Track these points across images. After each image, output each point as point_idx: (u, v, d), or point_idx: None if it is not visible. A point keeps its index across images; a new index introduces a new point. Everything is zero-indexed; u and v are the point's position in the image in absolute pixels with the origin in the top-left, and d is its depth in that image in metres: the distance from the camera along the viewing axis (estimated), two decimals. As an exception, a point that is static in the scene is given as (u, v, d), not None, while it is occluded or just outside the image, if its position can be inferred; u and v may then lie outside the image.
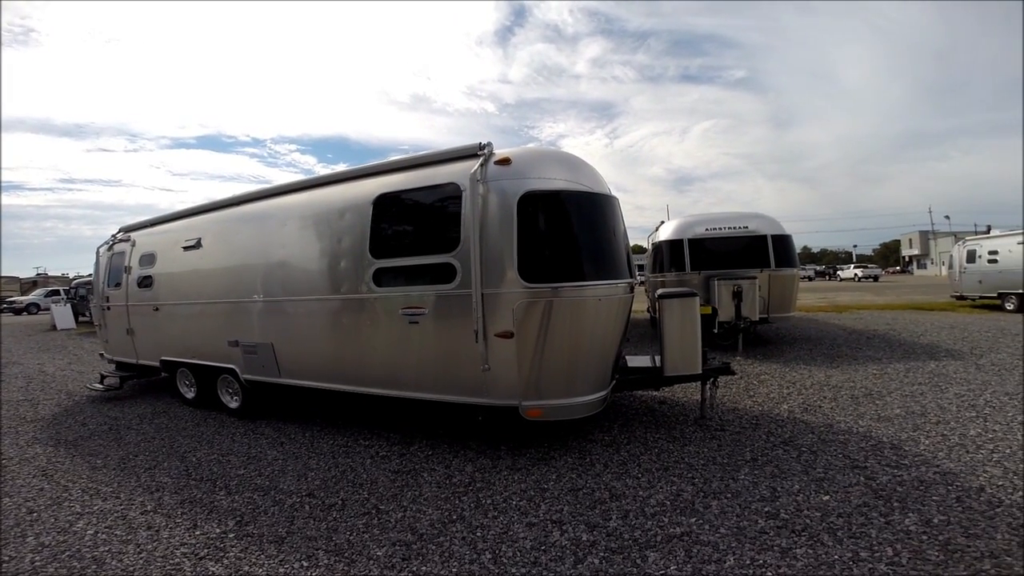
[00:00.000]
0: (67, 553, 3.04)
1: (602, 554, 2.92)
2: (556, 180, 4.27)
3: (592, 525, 3.24)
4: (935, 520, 3.11)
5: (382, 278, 4.60)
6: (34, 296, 33.51)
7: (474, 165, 4.18)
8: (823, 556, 2.80)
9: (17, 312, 31.73)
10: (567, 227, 4.28)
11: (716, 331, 8.20)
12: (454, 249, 4.22)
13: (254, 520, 3.39)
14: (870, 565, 2.71)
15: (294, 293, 5.27)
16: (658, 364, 4.99)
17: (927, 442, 4.34)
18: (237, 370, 5.90)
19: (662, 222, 11.00)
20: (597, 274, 4.28)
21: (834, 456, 4.14)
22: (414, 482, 3.97)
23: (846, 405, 5.51)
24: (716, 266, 9.34)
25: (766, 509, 3.33)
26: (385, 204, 4.68)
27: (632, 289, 4.64)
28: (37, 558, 3.01)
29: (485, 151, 4.27)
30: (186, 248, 6.48)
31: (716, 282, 8.81)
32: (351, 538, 3.17)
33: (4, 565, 2.93)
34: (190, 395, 6.77)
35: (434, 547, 3.06)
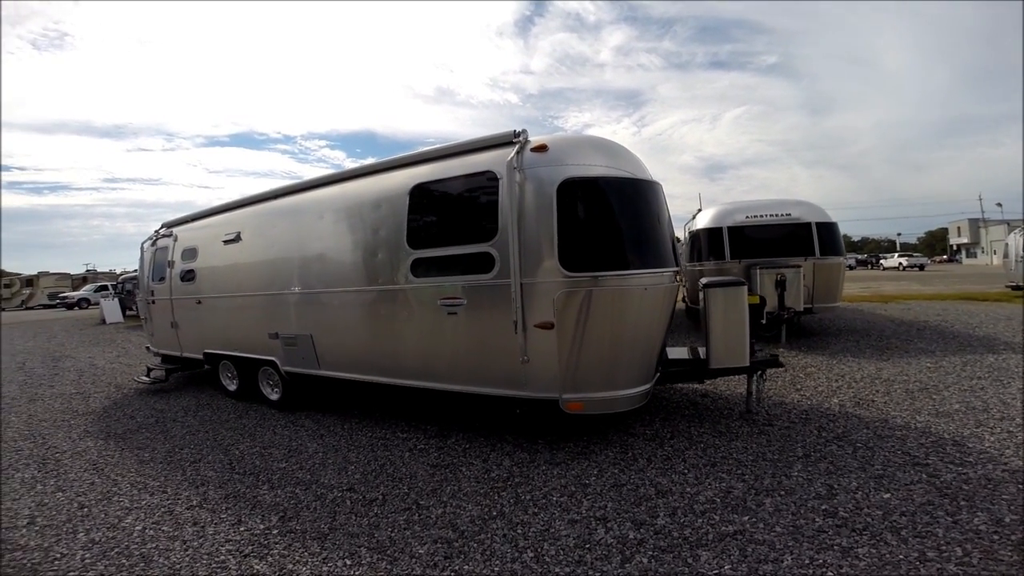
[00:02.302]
0: (116, 550, 3.07)
1: (651, 553, 2.83)
2: (596, 166, 4.16)
3: (639, 522, 3.15)
4: (1007, 519, 2.93)
5: (420, 268, 4.56)
6: (84, 292, 34.87)
7: (510, 153, 4.08)
8: (887, 556, 2.68)
9: (69, 307, 33.12)
10: (609, 214, 4.17)
11: (764, 321, 7.92)
12: (492, 238, 4.14)
13: (297, 516, 3.40)
14: (938, 565, 2.57)
15: (332, 285, 5.28)
16: (701, 356, 4.84)
17: (992, 439, 4.10)
18: (277, 362, 5.97)
19: (699, 210, 10.73)
20: (642, 262, 4.16)
21: (892, 453, 3.94)
22: (453, 476, 3.94)
23: (900, 400, 5.25)
24: (757, 255, 9.05)
25: (823, 507, 3.20)
26: (421, 194, 4.63)
27: (678, 278, 4.50)
28: (87, 555, 3.03)
29: (520, 138, 4.16)
30: (226, 242, 6.58)
31: (758, 271, 8.54)
32: (393, 535, 3.14)
33: (56, 562, 2.97)
34: (232, 387, 6.90)
35: (475, 545, 3.00)
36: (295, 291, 5.63)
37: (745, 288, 4.65)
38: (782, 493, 3.41)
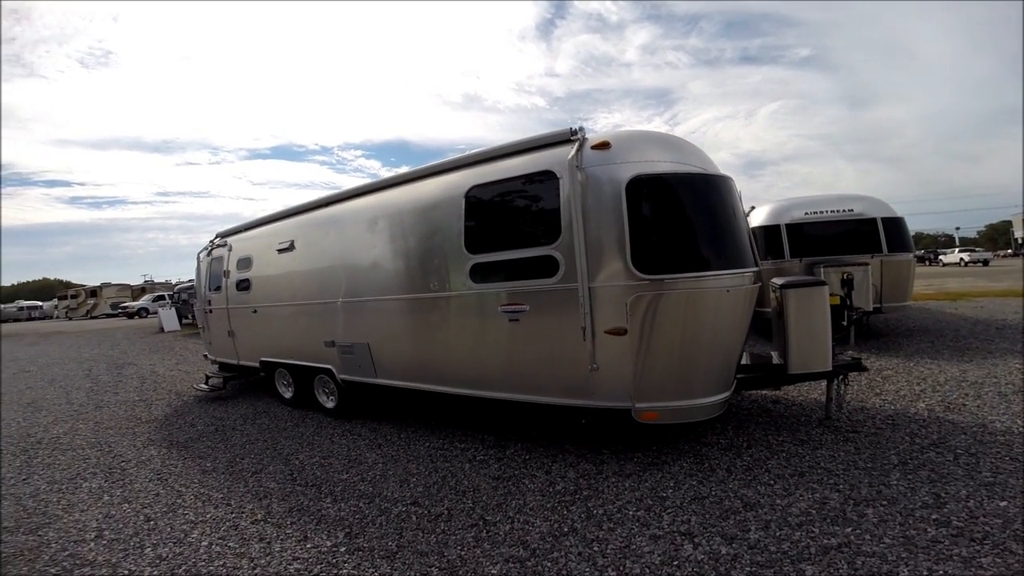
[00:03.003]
0: (183, 568, 3.00)
1: (748, 568, 2.65)
2: (663, 163, 3.96)
3: (729, 537, 2.96)
4: None
5: (479, 274, 4.42)
6: (143, 301, 36.38)
7: (569, 151, 3.91)
8: (1015, 565, 2.48)
9: (130, 316, 34.62)
10: (684, 212, 3.98)
11: (845, 323, 7.48)
12: (555, 240, 3.97)
13: (363, 532, 3.30)
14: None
15: (389, 292, 5.20)
16: (774, 360, 4.57)
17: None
18: (334, 370, 5.93)
19: (752, 207, 10.34)
20: (721, 263, 3.93)
21: (999, 459, 3.65)
22: (516, 490, 3.78)
23: (994, 403, 4.85)
24: (818, 252, 8.62)
25: (933, 516, 2.99)
26: (478, 196, 4.50)
27: (758, 278, 4.23)
28: (155, 573, 2.99)
29: (579, 136, 3.99)
30: (280, 251, 6.60)
31: (821, 269, 8.11)
32: (462, 553, 3.00)
33: None
34: (288, 395, 6.93)
35: (549, 564, 2.85)
36: (351, 299, 5.59)
37: (826, 288, 4.36)
38: (884, 503, 3.20)
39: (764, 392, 5.66)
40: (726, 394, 4.07)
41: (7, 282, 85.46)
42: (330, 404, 6.22)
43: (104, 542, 3.34)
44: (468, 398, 4.74)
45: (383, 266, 5.27)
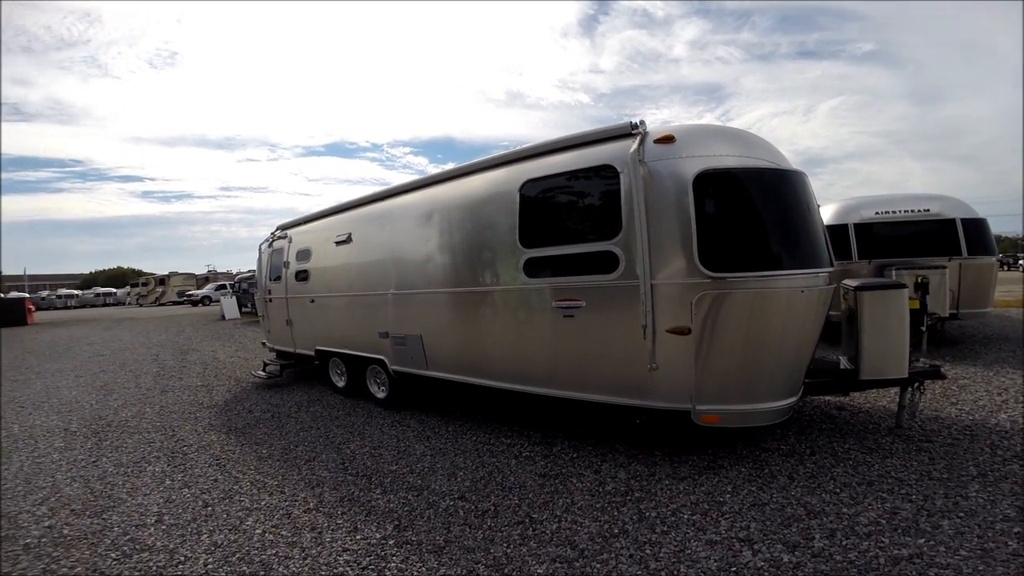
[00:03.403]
0: (237, 555, 3.04)
1: None
2: (732, 157, 3.80)
3: (791, 545, 2.84)
4: None
5: (533, 268, 4.37)
6: (206, 290, 38.25)
7: (631, 145, 3.79)
8: None
9: (194, 304, 36.48)
10: (756, 208, 3.82)
11: (924, 328, 7.04)
12: (615, 236, 3.87)
13: (411, 525, 3.30)
14: None
15: (442, 285, 5.23)
16: (842, 365, 4.35)
17: None
18: (386, 361, 6.02)
19: (818, 205, 9.85)
20: (795, 262, 3.76)
21: None
22: (564, 488, 3.72)
23: (1089, 420, 4.44)
24: (889, 254, 8.13)
25: (1015, 530, 2.81)
26: (533, 190, 4.44)
27: (833, 279, 4.02)
28: (210, 560, 3.03)
29: (640, 129, 3.87)
30: (338, 243, 6.76)
31: (893, 272, 7.65)
32: (508, 551, 2.96)
33: (180, 566, 2.99)
34: (340, 384, 7.08)
35: (599, 565, 2.78)
36: (405, 291, 5.65)
37: (906, 292, 4.10)
38: (961, 515, 3.03)
39: (827, 398, 5.39)
40: (793, 399, 3.89)
41: (87, 270, 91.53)
42: (381, 394, 6.31)
43: (163, 527, 3.44)
44: (515, 393, 4.70)
45: (437, 259, 5.29)
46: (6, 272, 75.11)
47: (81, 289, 60.21)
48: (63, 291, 55.07)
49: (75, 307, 49.22)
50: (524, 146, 4.80)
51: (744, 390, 3.75)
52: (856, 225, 8.45)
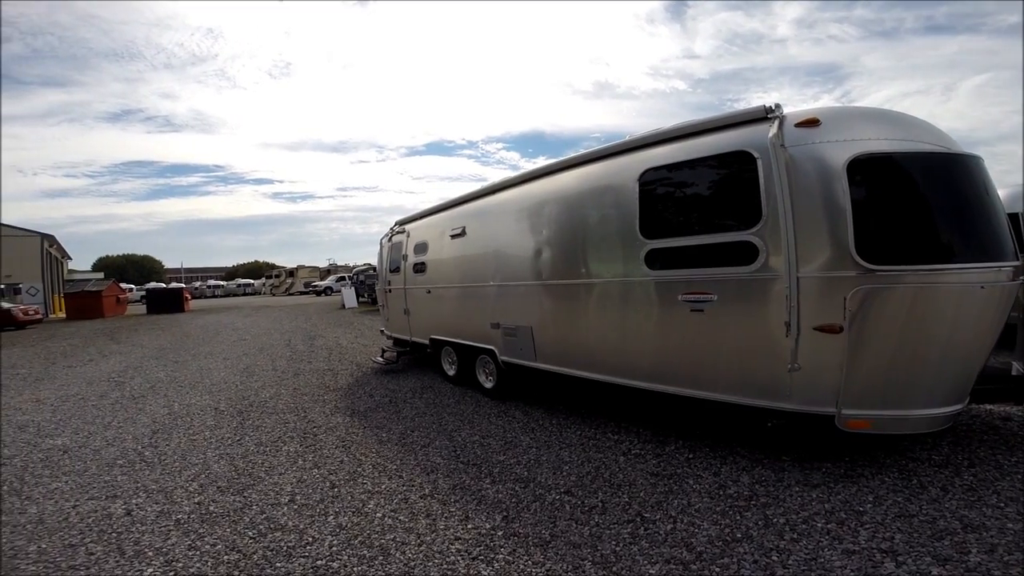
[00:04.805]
0: (359, 538, 3.18)
1: None
2: (889, 140, 3.44)
3: (942, 558, 2.61)
4: None
5: (656, 260, 4.23)
6: (328, 282, 41.46)
7: (769, 129, 3.53)
8: None
9: (318, 294, 39.80)
10: (922, 195, 3.46)
11: None
12: (754, 225, 3.63)
13: (518, 517, 3.35)
14: None
15: (555, 277, 5.23)
16: (1020, 371, 3.88)
17: None
18: (496, 351, 6.14)
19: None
20: (971, 254, 3.35)
21: None
22: (679, 489, 3.59)
23: None
24: None
25: None
26: (655, 179, 4.29)
27: (1019, 274, 3.51)
28: (335, 541, 3.16)
29: (777, 113, 3.59)
30: (453, 236, 6.99)
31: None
32: (617, 549, 2.91)
33: (308, 547, 3.13)
34: (451, 372, 7.36)
35: (718, 569, 2.66)
36: (517, 283, 5.72)
37: None
38: None
39: (990, 407, 4.77)
40: (958, 407, 3.49)
41: (231, 263, 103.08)
42: (488, 384, 6.46)
43: (295, 507, 3.64)
44: (624, 388, 4.59)
45: (550, 251, 5.29)
46: (168, 265, 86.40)
47: (225, 280, 68.00)
48: (212, 282, 62.71)
49: (221, 296, 55.68)
50: (641, 134, 4.63)
51: (900, 394, 3.41)
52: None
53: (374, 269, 19.71)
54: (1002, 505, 3.10)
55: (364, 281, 25.63)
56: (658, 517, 3.22)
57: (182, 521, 3.53)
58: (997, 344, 3.57)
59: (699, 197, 4.12)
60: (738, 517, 3.16)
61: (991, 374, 4.00)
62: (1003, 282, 3.35)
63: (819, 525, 3.01)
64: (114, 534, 3.39)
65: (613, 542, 2.98)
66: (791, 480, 3.60)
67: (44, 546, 3.27)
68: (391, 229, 9.21)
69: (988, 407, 4.78)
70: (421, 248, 7.93)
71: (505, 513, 3.40)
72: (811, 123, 3.53)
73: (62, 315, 27.14)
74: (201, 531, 3.38)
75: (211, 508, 3.70)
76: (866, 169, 3.35)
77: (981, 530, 2.87)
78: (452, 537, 3.14)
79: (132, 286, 48.53)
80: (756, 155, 3.62)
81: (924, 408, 3.42)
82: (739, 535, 2.96)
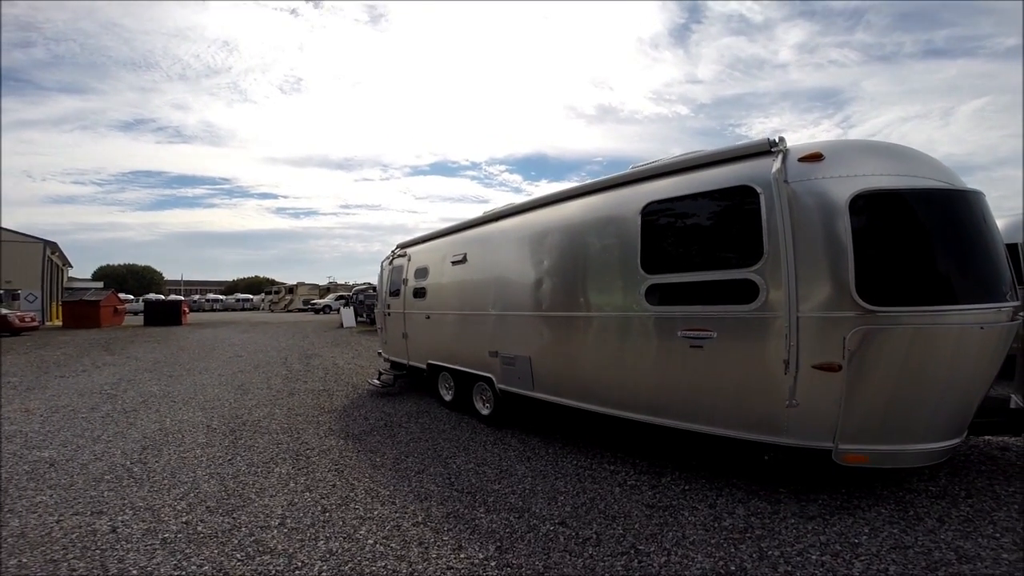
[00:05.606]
0: (349, 564, 3.12)
1: None
2: (892, 176, 3.47)
3: None
4: None
5: (656, 295, 4.23)
6: (328, 299, 41.45)
7: (772, 164, 3.55)
8: None
9: (316, 312, 39.67)
10: (924, 234, 3.47)
11: None
12: (755, 263, 3.63)
13: (512, 547, 3.29)
14: None
15: (555, 308, 5.22)
16: (1018, 404, 3.92)
17: None
18: (494, 379, 6.12)
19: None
20: (972, 295, 3.37)
21: None
22: (674, 521, 3.55)
23: None
24: None
25: None
26: (657, 213, 4.30)
27: (1019, 313, 3.55)
28: (325, 567, 3.10)
29: (780, 146, 3.62)
30: (454, 263, 7.01)
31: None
32: (612, 584, 2.85)
33: (296, 571, 3.08)
34: (448, 397, 7.30)
35: (711, 605, 2.61)
36: (517, 312, 5.72)
37: None
38: None
39: (988, 437, 4.75)
40: (956, 440, 3.49)
41: (231, 277, 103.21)
42: (485, 411, 6.41)
43: (285, 530, 3.58)
44: (621, 420, 4.56)
45: (551, 282, 5.29)
46: (168, 277, 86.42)
47: (224, 294, 67.93)
48: (210, 295, 62.62)
49: (219, 310, 55.51)
50: (642, 166, 4.67)
51: (898, 430, 3.41)
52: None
53: (374, 288, 19.71)
54: (998, 535, 3.11)
55: (363, 301, 25.63)
56: (652, 549, 3.18)
57: (169, 540, 3.46)
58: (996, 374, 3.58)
59: (701, 232, 4.13)
60: (733, 549, 3.13)
61: (989, 406, 4.01)
62: (1003, 322, 3.37)
63: (814, 557, 2.99)
64: (98, 551, 3.33)
65: (607, 575, 2.92)
66: (787, 512, 3.57)
67: (25, 560, 3.21)
68: (392, 252, 9.24)
69: (986, 438, 4.78)
70: (422, 273, 7.94)
71: (499, 543, 3.34)
72: (814, 157, 3.55)
73: (59, 323, 27.04)
74: (188, 551, 3.31)
75: (199, 528, 3.63)
76: (868, 206, 3.37)
77: (976, 560, 2.88)
78: (444, 567, 3.08)
79: (131, 296, 48.49)
80: (759, 190, 3.64)
81: (922, 443, 3.41)
82: (733, 568, 2.93)
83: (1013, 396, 4.09)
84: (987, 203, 3.66)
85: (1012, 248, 7.31)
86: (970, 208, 3.55)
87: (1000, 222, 7.94)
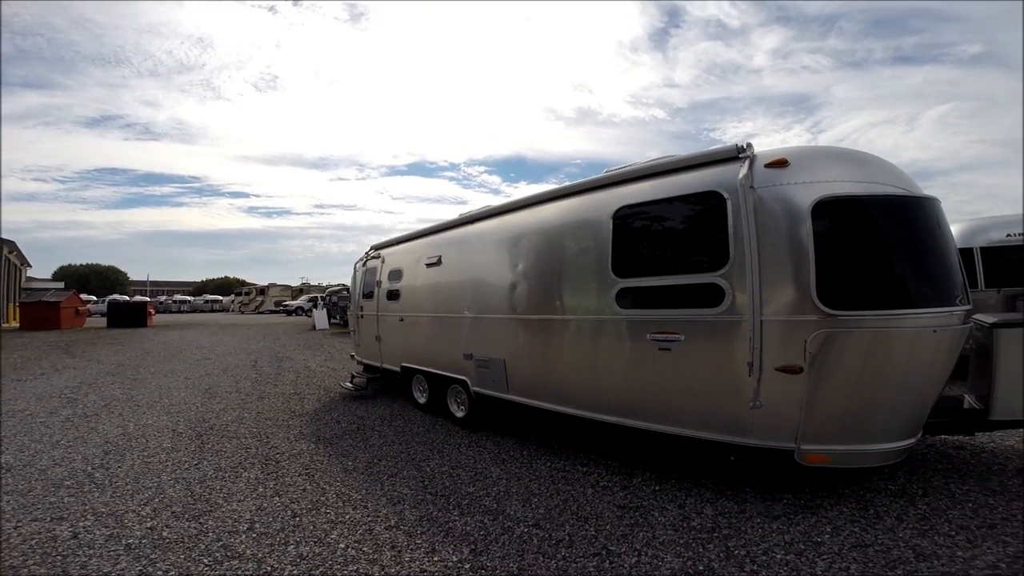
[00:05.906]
0: (320, 569, 3.09)
1: None
2: (853, 182, 3.58)
3: None
4: None
5: (627, 299, 4.28)
6: (300, 301, 40.83)
7: (739, 170, 3.62)
8: None
9: (288, 313, 39.03)
10: (882, 239, 3.59)
11: None
12: (721, 268, 3.71)
13: (486, 550, 3.29)
14: None
15: (530, 311, 5.24)
16: (971, 404, 4.08)
17: None
18: (468, 382, 6.11)
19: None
20: (927, 299, 3.50)
21: None
22: (644, 521, 3.60)
23: None
24: (1021, 283, 7.28)
25: None
26: (628, 217, 4.36)
27: (969, 318, 3.70)
28: (295, 572, 3.06)
29: (748, 152, 3.70)
30: (428, 265, 6.98)
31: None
32: (584, 585, 2.88)
33: None
34: (422, 400, 7.26)
35: (681, 605, 2.64)
36: (491, 315, 5.72)
37: None
38: None
39: (944, 437, 4.94)
40: (911, 440, 3.61)
41: (200, 278, 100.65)
42: (460, 413, 6.40)
43: (254, 535, 3.52)
44: (595, 422, 4.61)
45: (526, 284, 5.31)
46: (133, 278, 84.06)
47: (193, 295, 66.32)
48: (177, 297, 61.05)
49: (187, 311, 54.19)
50: (616, 170, 4.73)
51: (857, 430, 3.52)
52: (983, 249, 7.66)
53: (347, 290, 19.51)
54: (953, 534, 3.22)
55: (337, 303, 25.32)
56: (623, 550, 3.22)
57: (133, 546, 3.38)
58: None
59: (670, 236, 4.21)
60: (701, 549, 3.19)
61: (944, 407, 4.18)
62: (955, 325, 3.52)
63: (778, 556, 3.06)
64: (59, 557, 3.23)
65: (580, 577, 2.94)
66: (753, 512, 3.65)
67: (-20, 569, 3.10)
68: (366, 254, 9.15)
69: (942, 437, 4.95)
70: (396, 275, 7.88)
71: (473, 546, 3.34)
72: (780, 164, 3.64)
73: (16, 324, 26.06)
74: (153, 557, 3.24)
75: (164, 534, 3.56)
76: (830, 212, 3.47)
77: (932, 559, 2.97)
78: (417, 570, 3.06)
79: (94, 297, 47.00)
80: (726, 196, 3.71)
81: (880, 443, 3.52)
82: (701, 567, 2.98)
83: (966, 396, 4.27)
84: (942, 210, 3.81)
85: (967, 253, 7.69)
86: (926, 215, 3.68)
87: (956, 227, 8.35)
